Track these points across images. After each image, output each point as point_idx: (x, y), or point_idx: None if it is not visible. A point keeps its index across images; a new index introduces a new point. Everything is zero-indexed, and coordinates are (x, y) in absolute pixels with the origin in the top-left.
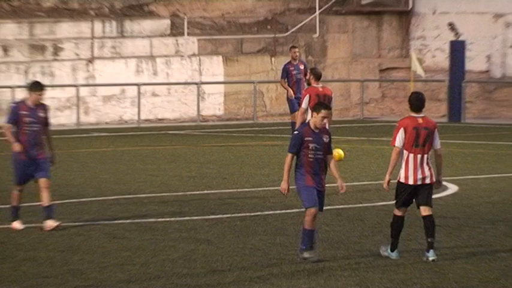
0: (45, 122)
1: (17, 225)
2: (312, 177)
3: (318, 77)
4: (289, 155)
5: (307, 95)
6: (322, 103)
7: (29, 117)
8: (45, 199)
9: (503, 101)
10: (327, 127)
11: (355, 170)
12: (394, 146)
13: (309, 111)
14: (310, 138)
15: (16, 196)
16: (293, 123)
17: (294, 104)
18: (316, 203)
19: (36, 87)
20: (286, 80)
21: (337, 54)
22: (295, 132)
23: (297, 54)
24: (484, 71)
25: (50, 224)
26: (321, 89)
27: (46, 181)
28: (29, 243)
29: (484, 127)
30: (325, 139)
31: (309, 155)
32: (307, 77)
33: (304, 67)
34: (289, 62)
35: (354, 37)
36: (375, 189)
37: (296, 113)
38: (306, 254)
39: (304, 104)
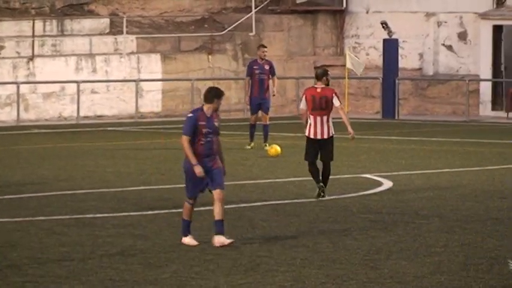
0: (218, 132)
1: (189, 240)
2: None
3: (317, 76)
4: None
5: (304, 96)
6: None
7: (206, 127)
8: (218, 212)
9: (436, 98)
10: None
11: (291, 165)
12: None
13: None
14: None
15: (188, 210)
16: (252, 126)
17: (254, 107)
18: None
19: (218, 93)
20: (250, 79)
21: (273, 52)
22: None
23: (265, 53)
24: (417, 68)
25: (220, 240)
26: (319, 90)
27: (221, 192)
28: None
29: (417, 123)
30: None
31: None
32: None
33: (270, 68)
34: (255, 61)
35: (289, 35)
36: (311, 185)
37: (254, 116)
38: None
39: (302, 104)
